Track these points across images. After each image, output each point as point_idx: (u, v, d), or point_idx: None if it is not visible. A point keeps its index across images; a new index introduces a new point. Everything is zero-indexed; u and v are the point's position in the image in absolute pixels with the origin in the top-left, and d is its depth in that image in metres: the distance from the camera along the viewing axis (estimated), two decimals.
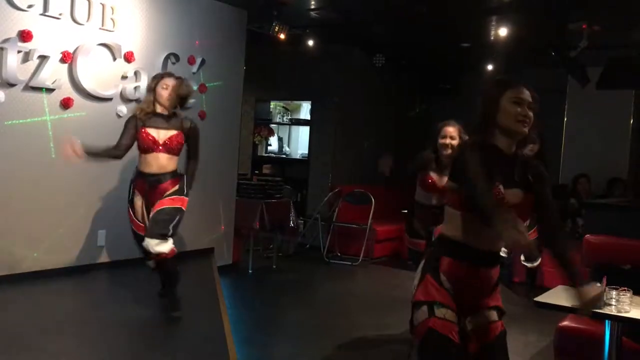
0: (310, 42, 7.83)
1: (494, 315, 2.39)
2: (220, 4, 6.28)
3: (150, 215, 4.13)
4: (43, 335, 3.72)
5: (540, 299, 3.28)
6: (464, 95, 9.62)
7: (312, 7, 6.77)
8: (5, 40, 4.46)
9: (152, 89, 4.19)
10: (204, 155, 6.20)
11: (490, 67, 8.72)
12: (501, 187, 2.24)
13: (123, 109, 5.32)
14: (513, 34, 6.97)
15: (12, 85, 4.54)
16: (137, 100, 5.47)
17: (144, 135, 4.12)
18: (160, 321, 4.28)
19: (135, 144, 4.19)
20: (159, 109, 4.18)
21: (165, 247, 4.06)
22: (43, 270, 4.79)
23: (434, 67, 9.39)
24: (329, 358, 4.11)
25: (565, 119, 8.71)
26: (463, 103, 9.61)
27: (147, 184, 4.18)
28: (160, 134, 4.16)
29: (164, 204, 4.12)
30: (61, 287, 4.81)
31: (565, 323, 3.77)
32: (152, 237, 4.04)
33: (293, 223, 7.08)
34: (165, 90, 4.15)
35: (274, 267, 6.90)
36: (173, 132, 4.18)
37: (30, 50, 4.61)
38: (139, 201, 4.23)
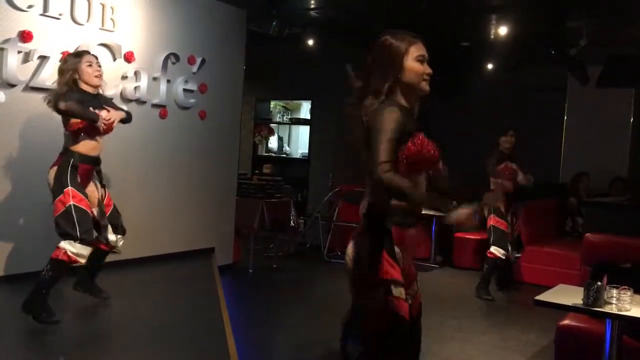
0: (310, 42, 7.83)
1: (416, 283, 2.42)
2: (220, 4, 6.28)
3: (111, 210, 4.19)
4: (46, 336, 3.73)
5: (541, 297, 3.28)
6: (463, 94, 9.65)
7: (312, 6, 6.78)
8: (6, 41, 4.46)
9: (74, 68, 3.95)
10: (204, 155, 6.26)
11: (490, 65, 8.73)
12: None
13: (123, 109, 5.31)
14: (513, 32, 6.97)
15: (12, 85, 4.54)
16: (138, 100, 5.49)
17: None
18: (160, 320, 4.28)
19: (67, 124, 3.90)
20: (86, 88, 3.98)
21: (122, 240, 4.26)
22: None
23: (434, 66, 9.39)
24: (329, 357, 4.11)
25: (566, 117, 8.72)
26: (462, 101, 9.68)
27: (92, 168, 4.05)
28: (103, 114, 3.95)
29: (111, 200, 4.22)
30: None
31: (566, 322, 3.77)
32: (121, 233, 4.22)
33: (293, 222, 7.08)
34: (90, 68, 3.97)
35: (275, 266, 6.90)
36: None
37: (30, 50, 4.61)
38: (91, 187, 4.05)
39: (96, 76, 3.99)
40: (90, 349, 3.72)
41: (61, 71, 3.96)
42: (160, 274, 5.53)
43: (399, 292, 2.20)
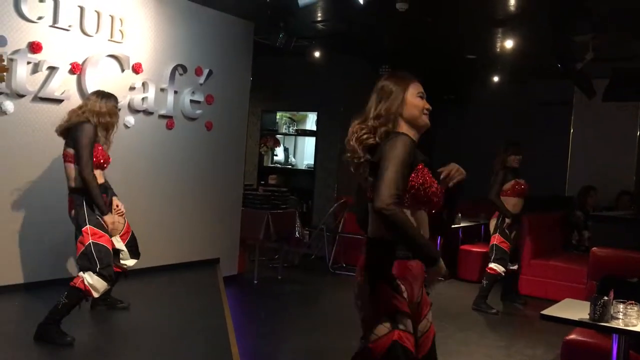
0: (317, 54, 7.87)
1: (430, 315, 2.42)
2: (227, 16, 6.33)
3: (130, 237, 4.34)
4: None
5: (547, 312, 3.26)
6: (469, 106, 9.67)
7: (319, 19, 6.82)
8: (15, 52, 4.51)
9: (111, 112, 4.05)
10: (210, 166, 6.28)
11: (496, 79, 8.75)
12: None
13: (131, 120, 5.36)
14: (519, 46, 6.99)
15: (21, 96, 4.59)
16: (145, 111, 5.52)
17: (100, 150, 4.02)
18: (165, 330, 4.28)
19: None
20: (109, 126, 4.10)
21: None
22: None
23: (439, 78, 9.41)
24: None
25: (572, 131, 8.71)
26: (468, 114, 9.70)
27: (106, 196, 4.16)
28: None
29: (129, 228, 4.38)
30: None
31: (572, 336, 3.74)
32: (136, 257, 4.40)
33: (298, 233, 7.08)
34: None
35: (279, 277, 6.89)
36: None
37: (39, 61, 4.65)
38: (111, 217, 4.08)
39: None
40: (94, 359, 3.72)
41: (100, 112, 3.96)
42: (165, 284, 5.54)
43: (404, 324, 2.20)
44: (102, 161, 4.01)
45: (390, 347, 2.17)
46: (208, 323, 4.54)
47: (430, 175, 2.25)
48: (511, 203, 5.83)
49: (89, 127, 3.86)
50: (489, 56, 7.81)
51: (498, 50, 7.39)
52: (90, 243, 3.79)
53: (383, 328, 2.19)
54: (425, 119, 2.37)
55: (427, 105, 2.38)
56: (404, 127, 2.34)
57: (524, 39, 6.84)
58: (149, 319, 4.50)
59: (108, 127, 4.04)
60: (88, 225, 3.82)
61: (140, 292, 5.02)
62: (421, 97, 2.38)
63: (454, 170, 2.37)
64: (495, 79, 8.77)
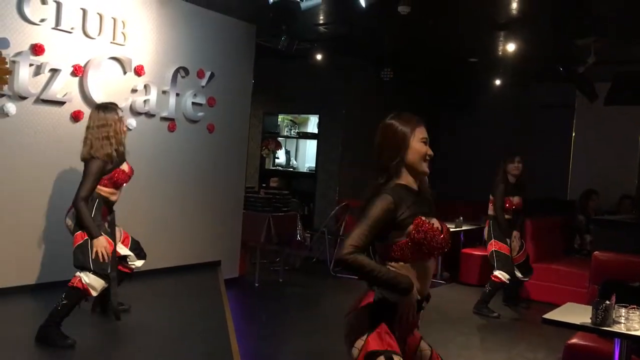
0: (319, 56, 7.88)
1: (426, 346, 2.43)
2: (229, 18, 6.34)
3: (130, 241, 4.36)
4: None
5: (549, 316, 3.25)
6: (471, 110, 9.66)
7: (321, 21, 6.83)
8: (18, 54, 4.51)
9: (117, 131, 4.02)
10: (212, 168, 6.28)
11: (498, 82, 8.74)
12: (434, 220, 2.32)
13: (132, 122, 5.36)
14: (521, 49, 6.99)
15: (23, 98, 4.59)
16: (147, 113, 5.53)
17: (121, 173, 4.05)
18: (166, 332, 4.28)
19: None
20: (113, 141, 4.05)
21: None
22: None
23: (441, 82, 9.42)
24: None
25: (574, 134, 8.71)
26: (470, 117, 9.69)
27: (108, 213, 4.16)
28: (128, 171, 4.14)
29: (127, 234, 4.39)
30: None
31: (574, 340, 3.73)
32: (143, 257, 4.43)
33: (300, 236, 7.08)
34: (122, 123, 4.07)
35: (281, 280, 6.89)
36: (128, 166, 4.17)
37: (42, 63, 4.66)
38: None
39: (124, 131, 4.10)
40: (100, 355, 3.72)
41: (103, 124, 3.94)
42: (166, 287, 5.54)
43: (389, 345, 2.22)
44: (122, 183, 4.08)
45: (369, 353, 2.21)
46: (209, 325, 4.54)
47: (432, 226, 2.26)
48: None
49: (93, 163, 3.87)
50: (491, 59, 7.80)
51: (500, 53, 7.39)
52: (86, 240, 3.82)
53: (360, 342, 2.26)
54: (425, 167, 2.38)
55: (430, 152, 2.38)
56: (404, 173, 2.36)
57: (525, 42, 6.84)
58: (150, 321, 4.49)
59: (116, 136, 3.99)
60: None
61: (142, 294, 5.01)
62: (424, 143, 2.38)
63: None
64: (497, 82, 8.76)
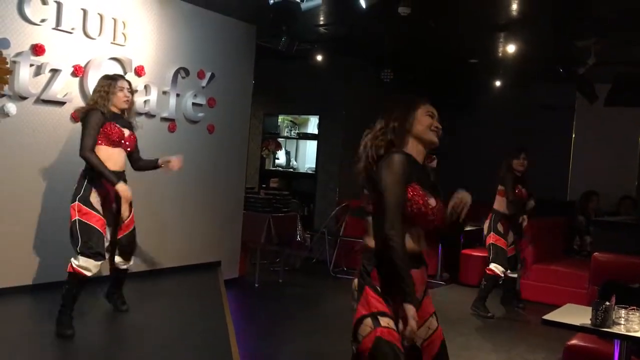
0: (319, 57, 7.88)
1: (434, 322, 2.44)
2: (230, 19, 6.34)
3: (127, 233, 4.22)
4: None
5: (548, 317, 3.25)
6: (471, 110, 9.66)
7: (321, 22, 6.83)
8: (18, 54, 4.51)
9: (107, 91, 4.07)
10: (212, 169, 6.28)
11: (498, 82, 8.74)
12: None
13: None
14: (521, 50, 7.00)
15: (24, 98, 4.59)
16: (147, 114, 5.53)
17: (114, 127, 4.03)
18: (166, 332, 4.28)
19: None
20: (113, 109, 4.11)
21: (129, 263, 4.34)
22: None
23: (442, 82, 9.42)
24: None
25: (574, 135, 8.71)
26: (470, 117, 9.69)
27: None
28: (124, 132, 4.13)
29: (132, 223, 4.27)
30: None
31: (574, 342, 3.74)
32: (126, 259, 4.26)
33: (300, 237, 7.08)
34: (122, 92, 4.11)
35: (281, 281, 6.89)
36: (129, 131, 4.18)
37: (42, 63, 4.66)
38: (95, 198, 4.00)
39: (124, 101, 4.12)
40: (100, 355, 3.73)
41: (95, 90, 4.13)
42: (166, 287, 5.54)
43: (385, 322, 2.24)
44: (116, 138, 4.03)
45: (374, 343, 2.20)
46: (209, 325, 4.54)
47: (423, 195, 2.30)
48: (505, 204, 5.84)
49: (92, 113, 3.96)
50: (491, 60, 7.81)
51: (500, 54, 7.39)
52: (76, 220, 3.87)
53: (365, 328, 2.24)
54: (431, 135, 2.41)
55: (437, 124, 2.42)
56: (410, 144, 2.39)
57: (526, 43, 6.84)
58: (150, 321, 4.49)
59: (107, 96, 4.04)
60: (77, 202, 3.91)
61: (142, 295, 5.02)
62: (430, 116, 2.42)
63: (463, 202, 2.44)
64: (498, 82, 8.76)
